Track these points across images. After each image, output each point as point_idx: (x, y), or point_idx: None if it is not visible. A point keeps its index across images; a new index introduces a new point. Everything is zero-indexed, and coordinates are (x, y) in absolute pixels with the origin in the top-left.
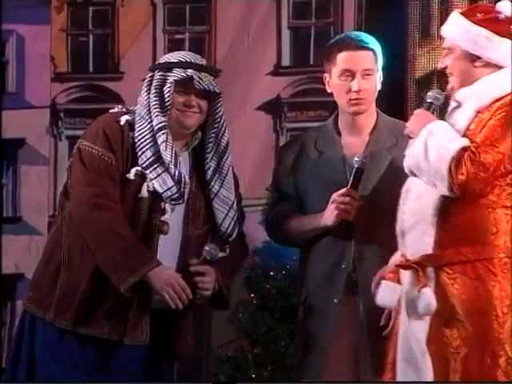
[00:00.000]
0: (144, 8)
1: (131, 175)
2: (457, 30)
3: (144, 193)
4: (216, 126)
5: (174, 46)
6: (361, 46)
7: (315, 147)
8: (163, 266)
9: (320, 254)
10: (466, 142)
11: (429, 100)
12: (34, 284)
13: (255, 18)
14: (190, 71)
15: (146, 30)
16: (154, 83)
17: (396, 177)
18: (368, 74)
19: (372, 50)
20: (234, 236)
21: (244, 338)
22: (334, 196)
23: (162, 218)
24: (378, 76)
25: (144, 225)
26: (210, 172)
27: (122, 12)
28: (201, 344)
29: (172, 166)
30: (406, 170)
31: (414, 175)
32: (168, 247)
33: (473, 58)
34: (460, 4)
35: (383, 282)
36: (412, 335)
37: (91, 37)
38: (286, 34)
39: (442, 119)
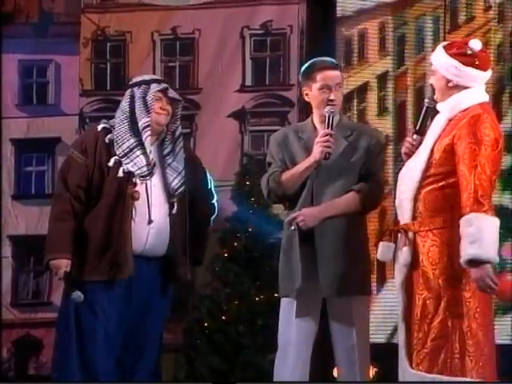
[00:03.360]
0: (147, 44)
1: (111, 163)
2: (438, 59)
3: (120, 173)
4: (176, 122)
5: (168, 70)
6: (334, 67)
7: (297, 135)
8: (61, 260)
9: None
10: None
11: (426, 104)
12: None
13: (226, 51)
14: (163, 84)
15: (148, 60)
16: (138, 95)
17: (349, 156)
18: (339, 87)
19: (340, 69)
20: (180, 190)
21: (218, 281)
22: (318, 139)
23: (135, 189)
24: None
25: (123, 194)
26: (166, 151)
27: (131, 47)
28: (187, 285)
29: (149, 154)
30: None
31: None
32: (159, 203)
33: (447, 80)
34: (374, 39)
35: (381, 242)
36: (396, 279)
37: (108, 64)
38: (248, 63)
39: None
